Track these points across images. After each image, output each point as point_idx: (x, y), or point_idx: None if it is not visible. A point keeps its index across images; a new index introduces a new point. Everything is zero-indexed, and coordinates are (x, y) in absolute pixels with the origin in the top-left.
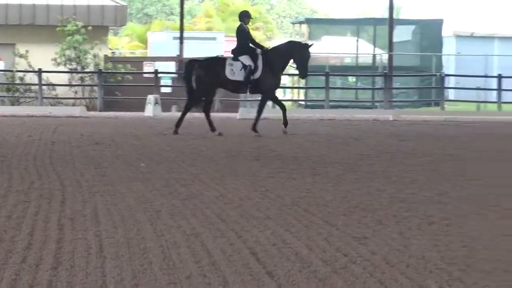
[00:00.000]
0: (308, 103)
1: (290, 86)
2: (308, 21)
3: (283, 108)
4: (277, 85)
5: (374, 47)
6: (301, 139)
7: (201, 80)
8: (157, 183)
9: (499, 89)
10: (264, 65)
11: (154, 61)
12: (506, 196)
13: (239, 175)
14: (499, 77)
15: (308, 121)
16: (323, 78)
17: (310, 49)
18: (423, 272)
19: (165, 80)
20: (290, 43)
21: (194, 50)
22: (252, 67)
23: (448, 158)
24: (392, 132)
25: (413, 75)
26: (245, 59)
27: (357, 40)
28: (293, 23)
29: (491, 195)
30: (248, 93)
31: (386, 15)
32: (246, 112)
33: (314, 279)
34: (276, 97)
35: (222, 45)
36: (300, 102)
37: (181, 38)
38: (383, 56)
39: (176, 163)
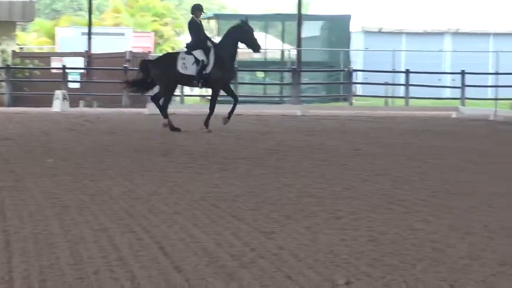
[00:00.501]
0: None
1: None
2: (217, 16)
3: (235, 101)
4: (227, 78)
5: (283, 42)
6: (209, 134)
7: (158, 79)
8: (64, 179)
9: (407, 84)
10: (215, 58)
11: (62, 56)
12: (412, 190)
13: (147, 170)
14: (407, 72)
15: (216, 116)
16: None
17: (248, 25)
18: (331, 267)
19: (73, 76)
20: (230, 30)
21: (102, 46)
22: (205, 62)
23: (356, 153)
24: (300, 127)
25: (321, 71)
26: (198, 54)
27: (266, 36)
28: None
29: (397, 189)
30: (200, 87)
31: (294, 10)
32: (154, 107)
33: (222, 274)
34: (229, 89)
35: (130, 40)
36: (208, 97)
37: (89, 34)
38: (291, 52)
39: (83, 158)
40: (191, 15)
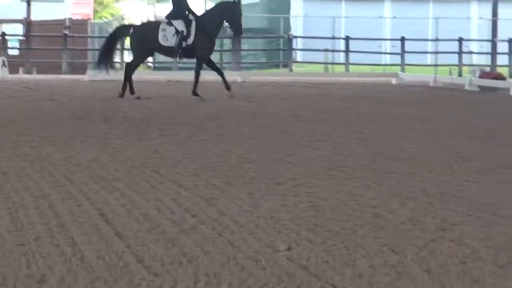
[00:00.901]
0: (157, 65)
1: None
2: None
3: (219, 72)
4: (210, 50)
5: None
6: (149, 101)
7: (136, 46)
8: (4, 145)
9: (347, 51)
10: (196, 30)
11: (1, 23)
12: (352, 156)
13: (88, 136)
14: (347, 38)
15: (156, 83)
16: None
17: (240, 6)
18: (272, 233)
19: (12, 43)
20: (219, 5)
21: (42, 13)
22: (185, 33)
23: (296, 119)
24: (241, 93)
25: (261, 37)
26: (179, 24)
27: (205, 3)
28: None
29: (338, 155)
30: (179, 59)
31: None
32: (94, 74)
33: (163, 240)
34: (211, 62)
35: (70, 7)
36: (148, 64)
37: (28, 1)
38: None
39: (23, 125)
40: None
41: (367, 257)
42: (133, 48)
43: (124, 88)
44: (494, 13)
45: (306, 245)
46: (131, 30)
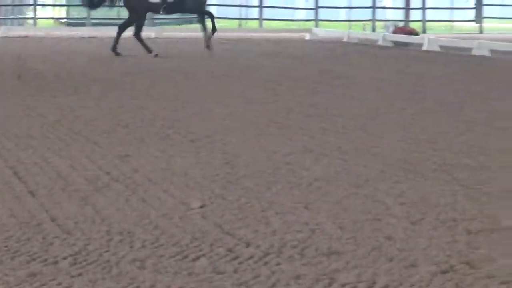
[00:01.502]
0: (70, 21)
1: (51, 4)
2: None
3: (204, 29)
4: (192, 4)
5: None
6: (63, 57)
7: (132, 10)
8: None
9: (260, 6)
10: None
11: None
12: (266, 112)
13: (0, 93)
14: None
15: (70, 39)
16: None
17: None
18: (186, 190)
19: None
20: None
21: None
22: None
23: (210, 76)
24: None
25: None
26: None
27: None
28: None
29: (252, 111)
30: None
31: None
32: (8, 30)
33: (76, 198)
34: (202, 16)
35: None
36: (61, 20)
37: None
38: None
39: None
40: None
41: (280, 214)
42: (129, 11)
43: (146, 47)
44: None
45: (220, 202)
46: None
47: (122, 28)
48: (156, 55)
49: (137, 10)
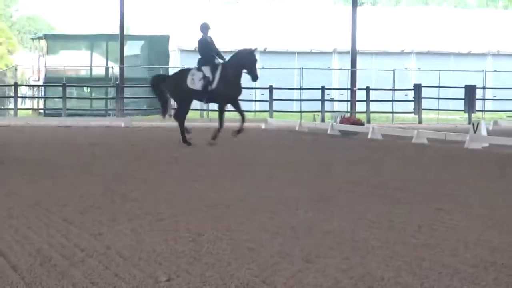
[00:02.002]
0: (47, 112)
1: (29, 96)
2: (46, 36)
3: (242, 117)
4: (232, 94)
5: (107, 60)
6: (41, 144)
7: (172, 94)
8: None
9: None
10: (220, 76)
11: None
12: (226, 194)
13: None
14: None
15: (47, 128)
16: (60, 88)
17: (255, 54)
18: (154, 265)
19: None
20: (239, 53)
21: None
22: (210, 79)
23: (174, 161)
24: (124, 138)
25: (142, 86)
26: (207, 70)
27: (91, 54)
28: (33, 39)
29: (213, 193)
30: (205, 102)
31: (117, 31)
32: None
33: (54, 272)
34: (236, 105)
35: None
36: (39, 111)
37: None
38: (115, 69)
39: None
40: (201, 33)
41: (240, 287)
42: (172, 97)
43: (183, 135)
44: (353, 64)
45: (185, 276)
46: (165, 81)
47: (177, 118)
48: (189, 144)
49: (176, 97)
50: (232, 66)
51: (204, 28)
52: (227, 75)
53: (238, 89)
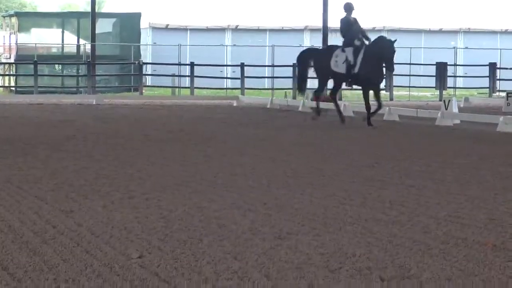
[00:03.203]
0: (19, 89)
1: (1, 74)
2: (17, 14)
3: (379, 104)
4: (374, 78)
5: (78, 38)
6: (12, 122)
7: (316, 70)
8: None
9: (192, 76)
10: (362, 60)
11: None
12: (198, 172)
13: None
14: (191, 64)
15: (19, 106)
16: (32, 66)
17: (395, 44)
18: (125, 242)
19: None
20: (380, 41)
21: None
22: (351, 62)
23: (146, 139)
24: (96, 115)
25: (114, 63)
26: (349, 53)
27: (63, 32)
28: (4, 16)
29: (185, 172)
30: (348, 86)
31: (88, 8)
32: None
33: (26, 249)
34: (376, 91)
35: None
36: (11, 88)
37: None
38: (86, 46)
39: None
40: (344, 13)
41: (212, 264)
42: (316, 74)
43: (317, 109)
44: (324, 41)
45: (157, 253)
46: (312, 54)
47: (316, 93)
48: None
49: (319, 75)
50: (373, 52)
51: (348, 8)
52: (369, 60)
53: (380, 75)
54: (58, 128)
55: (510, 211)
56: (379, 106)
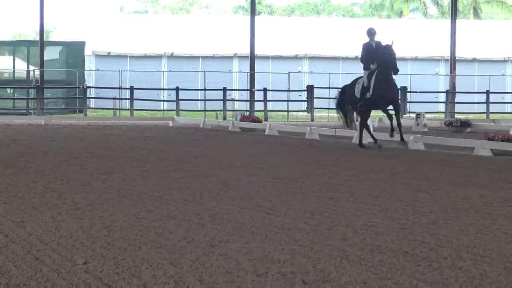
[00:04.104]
0: None
1: None
2: None
3: (398, 123)
4: (387, 96)
5: (28, 64)
6: None
7: (349, 104)
8: None
9: (131, 99)
10: (374, 81)
11: None
12: (137, 186)
13: None
14: (131, 88)
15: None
16: None
17: (393, 47)
18: (71, 249)
19: None
20: (379, 50)
21: None
22: (365, 84)
23: (90, 155)
24: (44, 134)
25: (61, 87)
26: (365, 77)
27: (14, 59)
28: None
29: (125, 185)
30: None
31: (37, 37)
32: None
33: None
34: (396, 107)
35: None
36: None
37: None
38: (36, 72)
39: None
40: (367, 38)
41: (150, 269)
42: (351, 106)
43: (372, 136)
44: (252, 67)
45: (100, 259)
46: (344, 95)
47: (361, 123)
48: (379, 146)
49: (352, 106)
50: (381, 66)
51: (369, 33)
52: (380, 78)
53: (393, 89)
54: (10, 146)
55: (419, 221)
56: (391, 118)
